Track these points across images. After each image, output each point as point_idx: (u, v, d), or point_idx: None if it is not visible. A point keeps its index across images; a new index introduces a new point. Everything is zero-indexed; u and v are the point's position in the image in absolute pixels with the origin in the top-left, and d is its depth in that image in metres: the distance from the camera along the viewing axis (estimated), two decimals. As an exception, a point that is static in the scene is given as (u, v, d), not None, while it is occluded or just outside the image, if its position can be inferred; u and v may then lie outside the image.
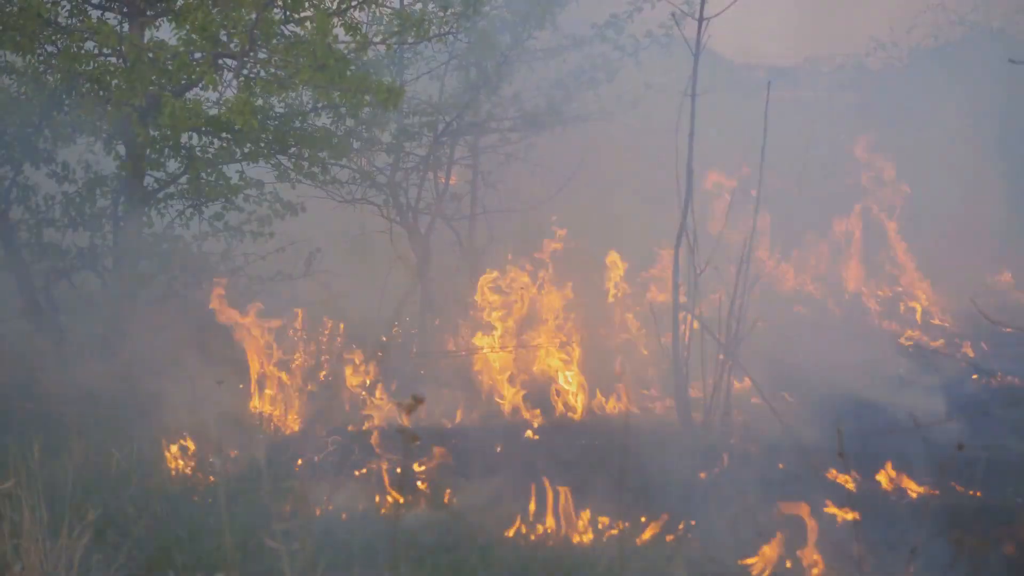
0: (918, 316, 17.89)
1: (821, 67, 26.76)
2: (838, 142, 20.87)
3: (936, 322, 17.80)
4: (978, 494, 9.14)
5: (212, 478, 8.19)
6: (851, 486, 9.11)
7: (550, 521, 7.73)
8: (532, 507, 8.01)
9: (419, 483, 8.80)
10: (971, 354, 14.88)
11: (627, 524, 7.62)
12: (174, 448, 8.52)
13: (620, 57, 13.80)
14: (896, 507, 8.94)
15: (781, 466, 9.84)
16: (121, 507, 7.08)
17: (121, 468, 7.85)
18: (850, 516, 8.46)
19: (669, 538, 7.76)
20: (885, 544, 7.87)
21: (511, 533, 7.65)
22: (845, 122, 22.32)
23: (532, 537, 7.63)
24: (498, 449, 10.13)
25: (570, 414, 11.55)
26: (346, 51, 11.01)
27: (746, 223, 10.92)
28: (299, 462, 9.38)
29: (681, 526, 7.98)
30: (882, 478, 9.43)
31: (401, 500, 8.33)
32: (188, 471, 8.35)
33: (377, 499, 8.37)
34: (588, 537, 7.83)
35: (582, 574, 6.81)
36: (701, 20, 10.85)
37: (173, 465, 8.34)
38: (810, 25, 24.72)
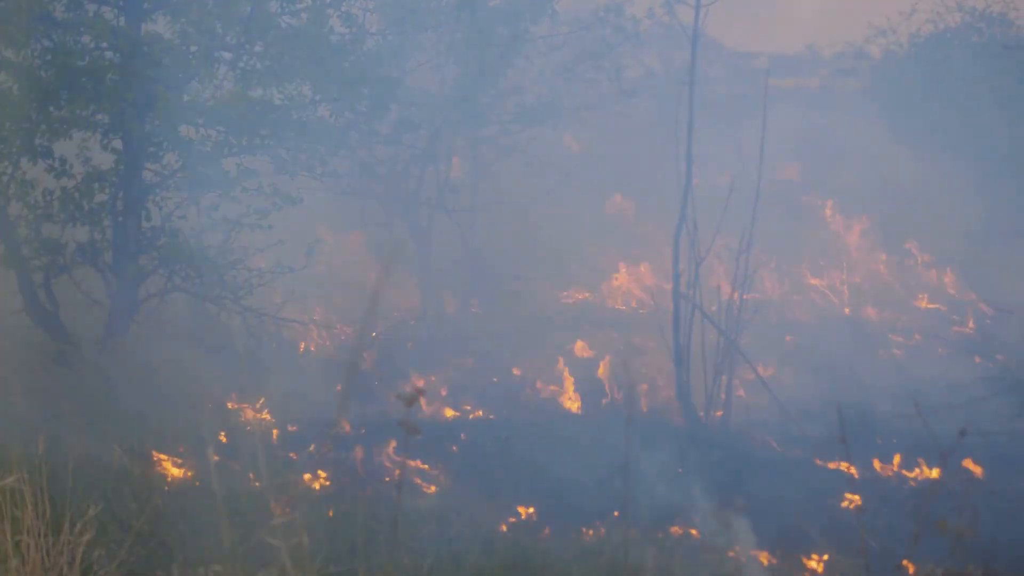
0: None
1: (822, 54, 26.64)
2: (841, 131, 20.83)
3: (935, 306, 17.79)
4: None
5: (212, 473, 8.17)
6: (853, 472, 9.10)
7: (550, 513, 7.73)
8: (532, 499, 8.01)
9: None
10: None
11: (627, 516, 7.61)
12: (176, 443, 8.51)
13: (621, 41, 13.72)
14: (896, 493, 8.93)
15: (780, 449, 9.85)
16: (123, 502, 7.06)
17: (122, 464, 7.83)
18: (852, 503, 8.46)
19: (674, 530, 7.75)
20: (886, 529, 7.86)
21: (510, 525, 7.64)
22: (848, 110, 22.26)
23: (532, 529, 7.62)
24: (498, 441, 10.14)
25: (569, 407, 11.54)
26: (342, 43, 10.98)
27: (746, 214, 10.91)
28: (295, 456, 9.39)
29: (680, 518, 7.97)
30: (882, 464, 9.43)
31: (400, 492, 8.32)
32: (189, 466, 8.34)
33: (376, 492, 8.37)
34: (589, 528, 7.82)
35: (584, 565, 6.80)
36: (698, 6, 10.81)
37: (173, 461, 8.32)
38: (811, 12, 24.67)
